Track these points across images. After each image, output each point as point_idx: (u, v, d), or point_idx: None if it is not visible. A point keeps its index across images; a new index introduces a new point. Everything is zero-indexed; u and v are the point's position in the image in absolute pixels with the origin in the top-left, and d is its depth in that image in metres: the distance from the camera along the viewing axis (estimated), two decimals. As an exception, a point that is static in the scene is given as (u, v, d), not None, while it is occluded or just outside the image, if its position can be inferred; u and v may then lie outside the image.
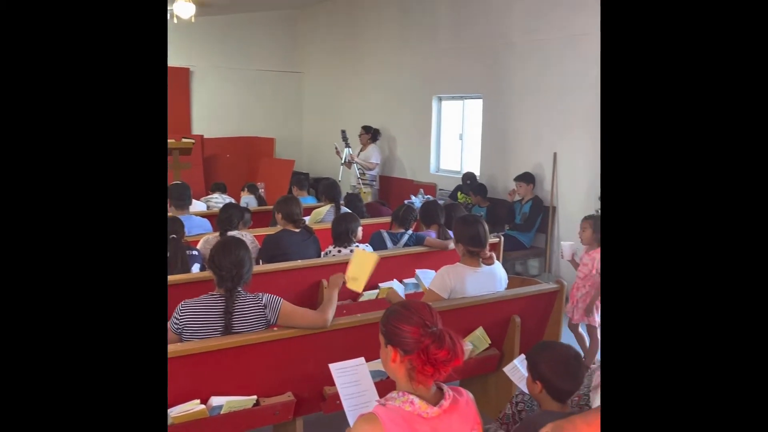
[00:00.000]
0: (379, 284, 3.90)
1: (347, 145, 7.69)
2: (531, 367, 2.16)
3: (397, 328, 1.68)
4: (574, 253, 4.21)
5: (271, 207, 5.43)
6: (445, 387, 1.72)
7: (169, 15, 7.67)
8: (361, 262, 2.88)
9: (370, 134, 7.72)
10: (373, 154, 7.63)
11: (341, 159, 7.75)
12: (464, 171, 7.06)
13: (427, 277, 3.39)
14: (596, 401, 2.08)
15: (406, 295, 3.76)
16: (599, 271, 3.92)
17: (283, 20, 10.12)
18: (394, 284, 3.90)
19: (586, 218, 4.11)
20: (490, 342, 3.21)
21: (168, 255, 3.72)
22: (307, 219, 4.59)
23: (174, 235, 3.73)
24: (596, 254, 3.98)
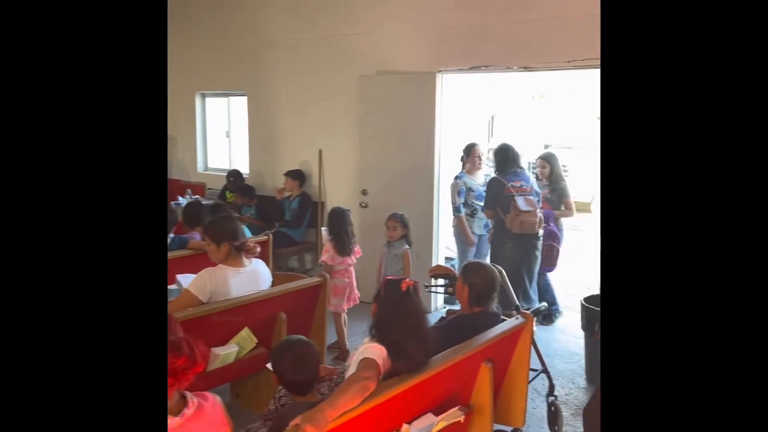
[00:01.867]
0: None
1: None
2: (273, 368, 2.26)
3: None
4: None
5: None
6: (188, 394, 1.69)
7: None
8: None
9: None
10: None
11: None
12: (231, 169, 6.96)
13: (188, 282, 3.27)
14: None
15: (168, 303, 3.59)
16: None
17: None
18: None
19: (394, 217, 4.35)
20: (257, 341, 3.22)
21: None
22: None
23: None
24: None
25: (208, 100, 7.38)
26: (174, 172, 7.60)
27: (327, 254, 4.30)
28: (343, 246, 4.26)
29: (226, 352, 3.06)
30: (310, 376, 2.23)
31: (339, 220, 4.30)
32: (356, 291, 4.46)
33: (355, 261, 4.45)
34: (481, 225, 5.25)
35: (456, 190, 5.17)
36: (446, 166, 5.39)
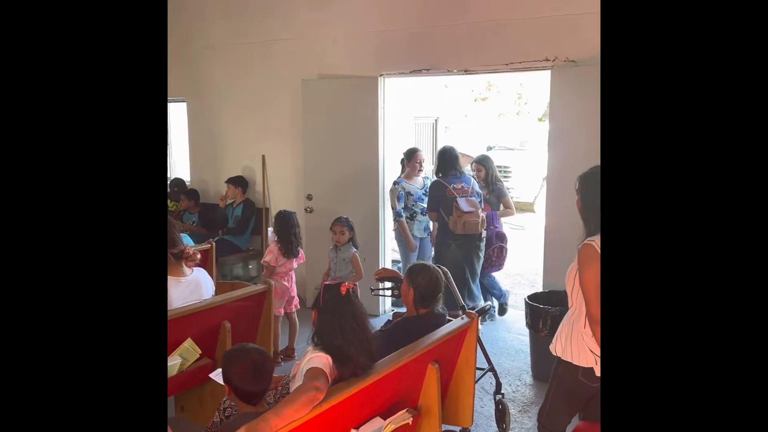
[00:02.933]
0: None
1: None
2: (224, 376, 2.20)
3: None
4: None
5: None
6: None
7: None
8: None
9: None
10: None
11: None
12: (173, 177, 6.79)
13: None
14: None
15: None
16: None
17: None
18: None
19: (340, 221, 4.32)
20: (200, 352, 3.15)
21: None
22: None
23: None
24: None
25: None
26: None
27: (270, 255, 4.26)
28: (290, 248, 4.25)
29: (170, 365, 2.97)
30: (264, 385, 2.19)
31: (286, 222, 4.29)
32: (296, 297, 4.45)
33: (296, 266, 4.42)
34: (421, 228, 5.30)
35: (395, 195, 5.19)
36: (391, 170, 5.41)
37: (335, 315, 2.20)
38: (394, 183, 5.27)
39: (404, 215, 5.21)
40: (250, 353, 2.21)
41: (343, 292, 2.25)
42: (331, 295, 2.27)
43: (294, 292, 4.43)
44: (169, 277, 3.06)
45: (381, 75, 5.10)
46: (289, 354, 4.43)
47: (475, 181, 5.01)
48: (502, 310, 5.37)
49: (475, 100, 13.20)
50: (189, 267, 3.20)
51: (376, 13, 5.13)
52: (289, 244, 4.25)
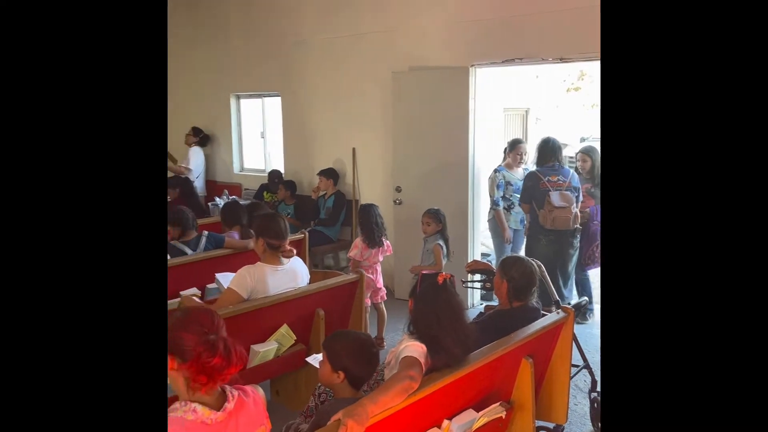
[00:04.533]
0: (180, 292, 3.74)
1: None
2: (332, 359, 2.20)
3: (175, 336, 1.62)
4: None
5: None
6: (228, 388, 1.70)
7: None
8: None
9: (198, 137, 7.30)
10: (189, 157, 7.18)
11: None
12: (269, 169, 7.02)
13: (227, 280, 3.31)
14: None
15: (207, 302, 3.65)
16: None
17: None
18: (194, 292, 3.76)
19: (428, 213, 4.35)
20: (295, 338, 3.24)
21: None
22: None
23: None
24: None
25: (242, 101, 7.47)
26: (213, 173, 7.71)
27: (355, 250, 4.34)
28: (372, 238, 4.30)
29: (266, 350, 3.09)
30: (373, 369, 2.21)
31: (367, 214, 4.37)
32: (383, 288, 4.50)
33: (382, 259, 4.46)
34: (517, 220, 5.19)
35: (495, 183, 5.12)
36: (481, 162, 5.34)
37: (432, 304, 2.19)
38: (495, 171, 5.20)
39: (502, 204, 5.12)
40: (360, 337, 2.25)
41: (441, 282, 2.24)
42: (428, 284, 2.27)
43: (380, 284, 4.48)
44: (266, 265, 3.18)
45: (472, 65, 5.04)
46: (378, 344, 4.49)
47: (576, 174, 4.80)
48: (582, 315, 5.06)
49: (567, 90, 12.78)
50: (286, 257, 3.29)
51: (467, 2, 5.07)
52: (371, 234, 4.32)
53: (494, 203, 5.11)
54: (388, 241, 4.49)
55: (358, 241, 4.38)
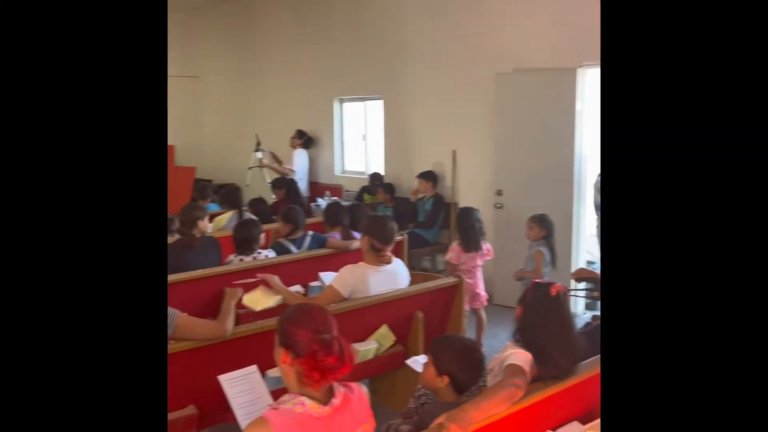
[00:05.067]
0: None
1: (257, 149, 7.52)
2: (436, 362, 2.20)
3: (290, 331, 1.68)
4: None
5: (170, 216, 5.24)
6: (335, 384, 1.73)
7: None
8: (263, 298, 3.26)
9: (303, 140, 7.54)
10: (294, 159, 7.43)
11: (252, 163, 7.57)
12: (369, 172, 7.13)
13: (330, 279, 3.40)
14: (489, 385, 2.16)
15: (310, 299, 3.76)
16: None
17: (177, 24, 9.79)
18: (297, 290, 3.88)
19: (532, 218, 4.29)
20: (395, 339, 3.27)
21: None
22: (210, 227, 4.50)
23: None
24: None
25: (345, 105, 7.64)
26: (316, 174, 7.93)
27: (452, 253, 4.30)
28: (468, 243, 4.25)
29: (365, 349, 3.13)
30: (477, 376, 2.19)
31: (466, 218, 4.31)
32: (483, 293, 4.41)
33: (481, 263, 4.39)
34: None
35: (598, 188, 4.92)
36: (588, 167, 5.15)
37: (542, 315, 2.13)
38: (599, 175, 5.00)
39: None
40: (466, 342, 2.23)
41: (553, 294, 2.17)
42: (540, 294, 2.20)
43: (479, 289, 4.41)
44: (368, 265, 3.22)
45: (581, 66, 4.87)
46: (476, 349, 4.43)
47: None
48: None
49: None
50: (385, 262, 3.32)
51: (573, 2, 4.90)
52: (468, 238, 4.26)
53: (598, 209, 4.92)
54: (488, 245, 4.42)
55: (455, 245, 4.35)
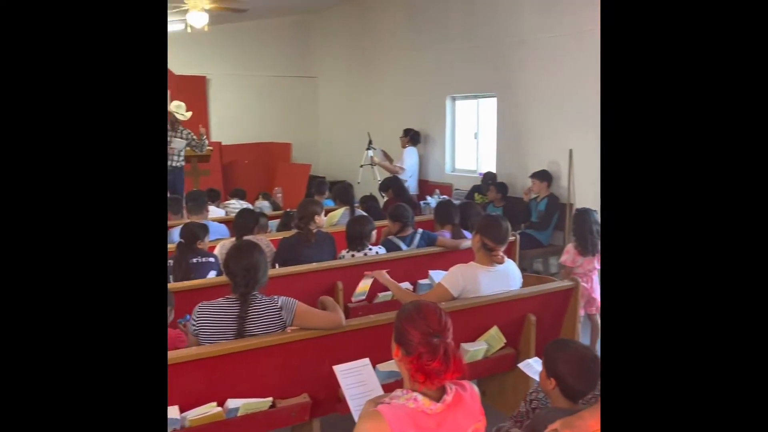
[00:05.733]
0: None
1: (368, 147, 7.69)
2: (547, 364, 2.14)
3: (403, 328, 1.70)
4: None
5: (288, 211, 5.48)
6: (447, 382, 1.73)
7: (183, 25, 7.78)
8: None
9: (408, 137, 7.61)
10: (403, 157, 7.52)
11: (364, 161, 7.74)
12: (480, 170, 7.06)
13: (440, 278, 3.39)
14: None
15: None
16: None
17: (296, 26, 10.20)
18: (407, 287, 3.91)
19: None
20: (505, 341, 3.21)
21: (174, 259, 3.78)
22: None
23: (182, 240, 3.80)
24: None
25: (458, 102, 7.60)
26: (426, 173, 7.97)
27: (567, 255, 4.15)
28: (585, 246, 4.09)
29: (475, 349, 3.10)
30: (591, 385, 2.11)
31: (582, 219, 4.15)
32: (599, 299, 4.22)
33: (599, 266, 4.19)
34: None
35: None
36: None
37: None
38: None
39: None
40: (581, 350, 2.15)
41: None
42: None
43: (595, 293, 4.23)
44: (480, 265, 3.19)
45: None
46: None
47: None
48: None
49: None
50: (497, 262, 3.26)
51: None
52: (584, 241, 4.10)
53: None
54: None
55: (570, 247, 4.20)
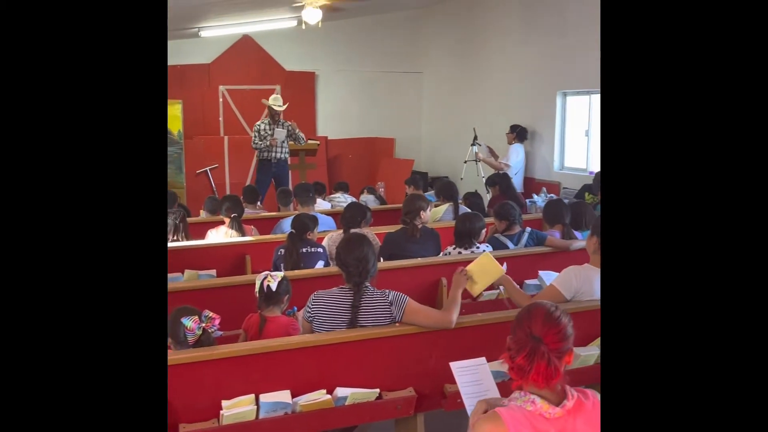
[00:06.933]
0: (500, 286, 3.83)
1: (473, 143, 7.60)
2: None
3: (513, 325, 1.69)
4: None
5: (390, 206, 5.53)
6: (568, 388, 1.69)
7: (297, 21, 8.02)
8: (485, 268, 2.94)
9: (515, 134, 7.47)
10: (509, 154, 7.39)
11: (468, 156, 7.68)
12: (590, 169, 6.78)
13: (550, 279, 3.29)
14: None
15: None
16: None
17: (406, 21, 10.22)
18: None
19: None
20: (619, 348, 3.06)
21: (285, 248, 3.90)
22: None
23: (293, 230, 3.92)
24: None
25: (569, 98, 7.33)
26: (532, 170, 7.76)
27: None
28: None
29: (587, 354, 2.98)
30: None
31: None
32: None
33: None
34: None
35: None
36: None
37: None
38: None
39: None
40: None
41: None
42: None
43: None
44: (595, 268, 3.05)
45: None
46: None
47: None
48: None
49: None
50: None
51: None
52: None
53: None
54: None
55: None
